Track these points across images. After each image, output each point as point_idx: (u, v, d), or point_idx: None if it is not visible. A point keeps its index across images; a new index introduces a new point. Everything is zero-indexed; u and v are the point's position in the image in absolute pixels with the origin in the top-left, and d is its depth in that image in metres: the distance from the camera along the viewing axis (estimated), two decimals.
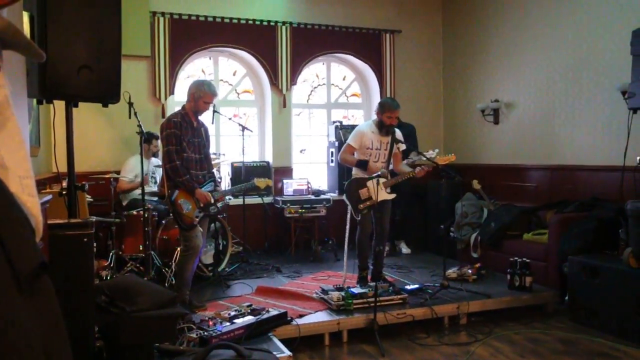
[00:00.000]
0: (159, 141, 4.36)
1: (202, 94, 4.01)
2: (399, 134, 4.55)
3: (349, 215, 4.49)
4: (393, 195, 4.48)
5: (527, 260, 4.50)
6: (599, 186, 4.99)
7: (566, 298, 4.31)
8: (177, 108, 6.48)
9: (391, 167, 4.54)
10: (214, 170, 5.48)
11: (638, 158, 4.55)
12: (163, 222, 4.92)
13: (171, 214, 4.11)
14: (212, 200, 4.11)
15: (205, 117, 4.37)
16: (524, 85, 6.01)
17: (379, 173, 4.23)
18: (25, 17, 2.65)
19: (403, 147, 4.59)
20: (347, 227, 4.51)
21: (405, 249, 6.27)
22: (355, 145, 4.48)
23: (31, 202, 0.99)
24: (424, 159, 4.41)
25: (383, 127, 4.44)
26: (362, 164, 4.41)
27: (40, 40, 2.54)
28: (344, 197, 4.50)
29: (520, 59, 6.05)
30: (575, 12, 5.30)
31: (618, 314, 3.81)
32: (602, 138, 5.02)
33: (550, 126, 5.64)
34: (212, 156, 5.64)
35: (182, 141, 3.97)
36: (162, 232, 4.88)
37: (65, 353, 0.98)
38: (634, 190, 4.50)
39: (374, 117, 4.60)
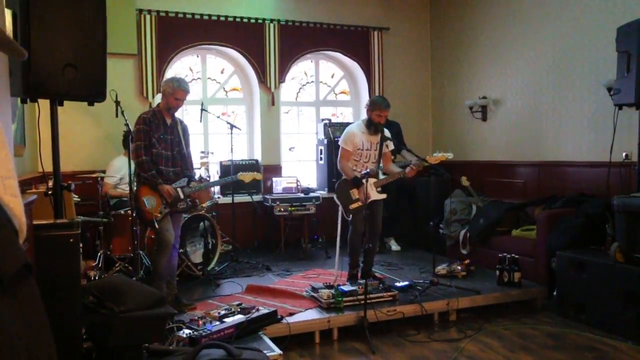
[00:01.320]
0: None
1: (172, 90, 3.99)
2: (387, 132, 4.56)
3: (340, 215, 4.48)
4: (384, 196, 4.48)
5: (516, 256, 4.53)
6: (586, 182, 5.03)
7: (554, 293, 4.35)
8: None
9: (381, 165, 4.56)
10: (203, 168, 5.46)
11: (624, 154, 4.60)
12: None
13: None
14: (182, 196, 4.06)
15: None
16: (511, 82, 6.05)
17: (368, 171, 4.23)
18: (8, 14, 2.61)
19: (392, 146, 4.60)
20: (339, 226, 4.50)
21: (395, 246, 6.28)
22: (350, 149, 4.46)
23: (14, 202, 0.97)
24: (416, 159, 4.40)
25: (372, 125, 4.44)
26: (357, 183, 4.37)
27: (23, 38, 2.51)
28: (334, 197, 4.49)
29: (507, 56, 6.08)
30: (562, 9, 5.34)
31: (606, 308, 3.85)
32: (588, 134, 5.07)
33: (537, 123, 5.67)
34: (201, 154, 5.64)
35: (152, 137, 3.97)
36: (150, 231, 4.84)
37: (49, 355, 0.97)
38: (620, 185, 4.55)
39: (364, 114, 4.59)
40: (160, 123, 4.04)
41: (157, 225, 3.94)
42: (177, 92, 3.99)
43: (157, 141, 3.99)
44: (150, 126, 3.97)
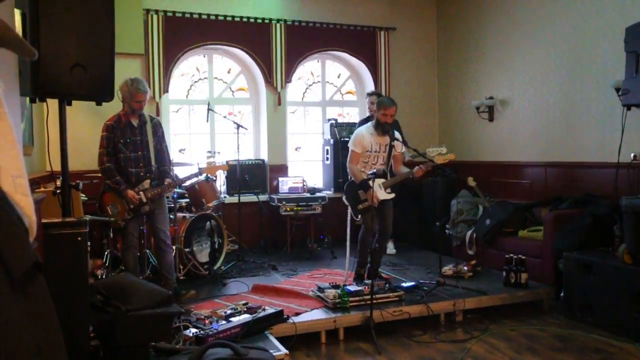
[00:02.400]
0: None
1: (130, 95, 3.99)
2: (397, 135, 4.55)
3: (349, 216, 4.47)
4: (392, 195, 4.48)
5: (523, 257, 4.51)
6: (594, 183, 5.00)
7: (561, 294, 4.33)
8: (172, 106, 6.48)
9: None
10: (201, 167, 5.46)
11: (632, 155, 4.57)
12: None
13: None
14: (144, 200, 4.07)
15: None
16: (518, 83, 6.02)
17: (374, 171, 4.22)
18: (17, 14, 2.63)
19: (399, 147, 4.55)
20: (348, 227, 4.49)
21: (390, 249, 6.08)
22: (359, 151, 4.44)
23: (24, 201, 0.98)
24: (420, 156, 4.41)
25: (379, 126, 4.44)
26: (365, 187, 4.35)
27: (32, 38, 2.52)
28: (343, 198, 4.48)
29: (514, 56, 6.06)
30: (570, 9, 5.31)
31: (613, 309, 3.83)
32: (596, 135, 5.04)
33: (544, 123, 5.65)
34: (207, 154, 5.64)
35: (117, 143, 4.02)
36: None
37: (59, 352, 0.98)
38: (628, 186, 4.52)
39: (367, 112, 4.59)
40: (126, 127, 4.06)
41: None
42: (135, 95, 3.98)
43: (123, 145, 4.03)
44: (114, 132, 4.02)
